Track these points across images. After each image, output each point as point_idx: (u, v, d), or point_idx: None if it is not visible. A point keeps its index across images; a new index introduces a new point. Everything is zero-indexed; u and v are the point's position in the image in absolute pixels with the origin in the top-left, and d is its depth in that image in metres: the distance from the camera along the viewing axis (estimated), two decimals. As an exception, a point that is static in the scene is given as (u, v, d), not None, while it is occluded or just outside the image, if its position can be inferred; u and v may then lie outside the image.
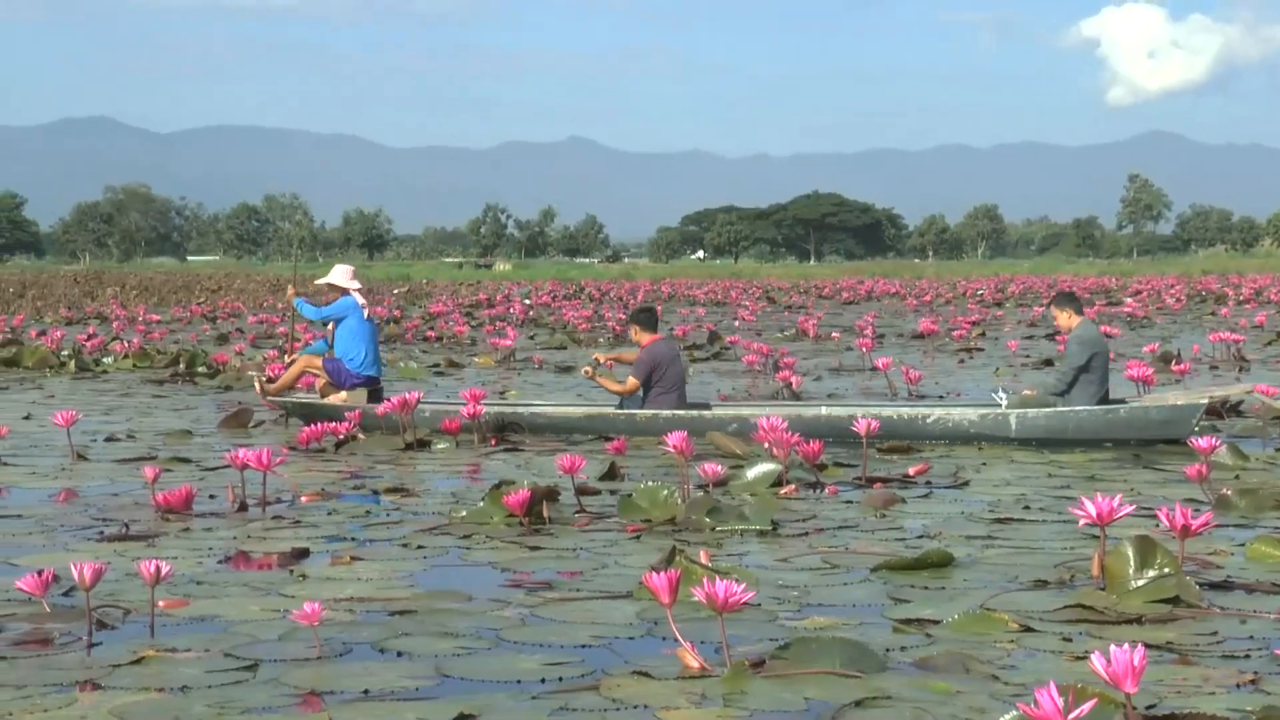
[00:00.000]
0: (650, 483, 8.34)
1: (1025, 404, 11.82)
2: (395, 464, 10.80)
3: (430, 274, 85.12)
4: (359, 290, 13.90)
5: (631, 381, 12.47)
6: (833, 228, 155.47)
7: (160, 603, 5.88)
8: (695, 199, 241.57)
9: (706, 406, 12.67)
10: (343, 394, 13.38)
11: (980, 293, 48.52)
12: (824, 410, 12.07)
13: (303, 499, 8.91)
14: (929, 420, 11.65)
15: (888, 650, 5.29)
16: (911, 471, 9.74)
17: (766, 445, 9.55)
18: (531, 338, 27.42)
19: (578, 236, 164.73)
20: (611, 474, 9.67)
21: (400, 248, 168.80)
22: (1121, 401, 12.03)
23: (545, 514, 8.01)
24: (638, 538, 7.63)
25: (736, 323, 32.23)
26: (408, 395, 11.65)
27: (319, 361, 13.71)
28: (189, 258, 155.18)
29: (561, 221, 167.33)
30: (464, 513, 8.16)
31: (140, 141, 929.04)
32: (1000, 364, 20.22)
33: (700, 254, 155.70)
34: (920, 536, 7.62)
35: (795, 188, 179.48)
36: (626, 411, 12.28)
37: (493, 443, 11.75)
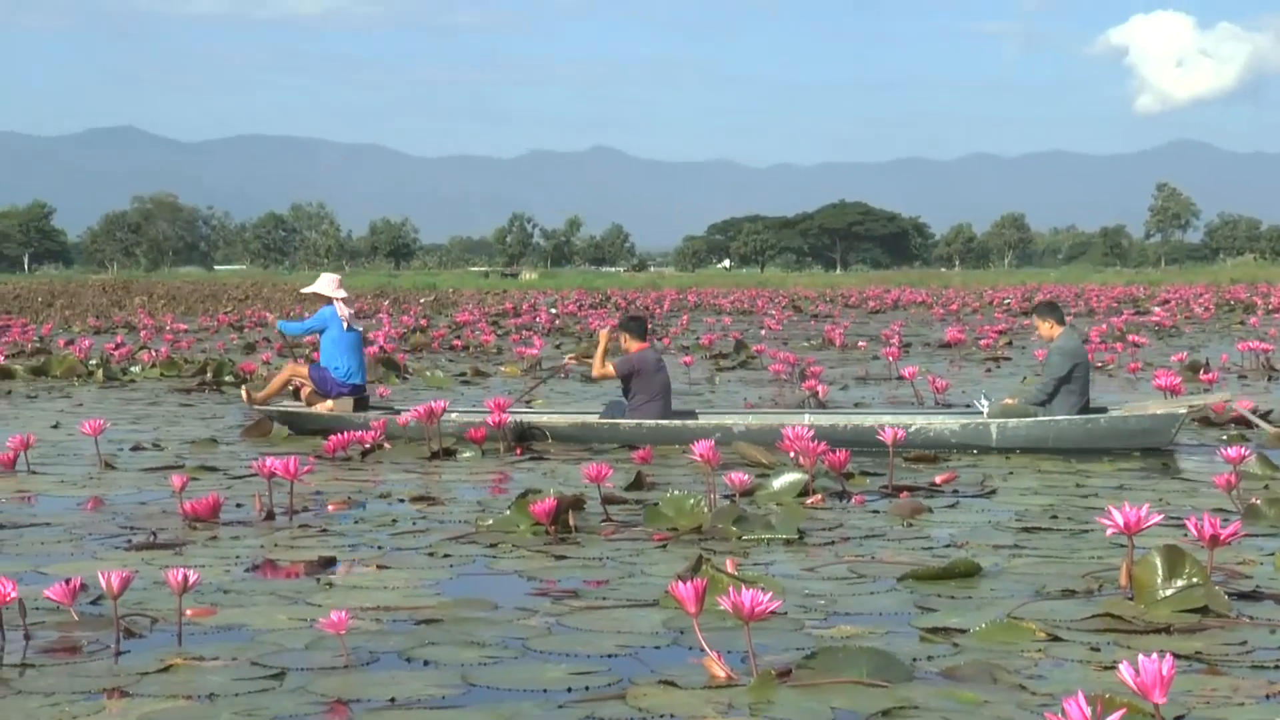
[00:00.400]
0: (676, 492, 8.34)
1: (1007, 413, 11.96)
2: (421, 473, 10.82)
3: (456, 283, 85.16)
4: (343, 300, 13.95)
5: (610, 369, 12.71)
6: (859, 237, 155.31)
7: (188, 611, 5.90)
8: (721, 208, 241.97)
9: (692, 415, 12.79)
10: (329, 403, 13.47)
11: (1007, 302, 48.37)
12: (806, 418, 12.11)
13: (329, 507, 8.93)
14: (911, 429, 11.63)
15: (915, 660, 5.28)
16: (938, 480, 9.72)
17: (792, 455, 9.55)
18: (558, 347, 27.42)
19: (604, 246, 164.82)
20: (638, 483, 9.66)
21: (426, 257, 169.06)
22: (1103, 411, 12.14)
23: (571, 523, 8.01)
24: (664, 546, 7.63)
25: (763, 331, 32.21)
26: (433, 404, 11.67)
27: (305, 369, 13.84)
28: (216, 267, 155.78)
29: (587, 231, 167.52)
30: (490, 521, 8.17)
31: (166, 151, 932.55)
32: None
33: (726, 263, 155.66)
34: (947, 546, 7.61)
35: (821, 197, 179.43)
36: (610, 420, 12.36)
37: (518, 452, 11.77)
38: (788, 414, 12.77)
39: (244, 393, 14.24)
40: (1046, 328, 12.58)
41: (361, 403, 13.60)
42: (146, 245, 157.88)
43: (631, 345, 12.71)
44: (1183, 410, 11.74)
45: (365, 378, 13.94)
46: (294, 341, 14.69)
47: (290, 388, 13.94)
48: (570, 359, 14.43)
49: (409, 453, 11.76)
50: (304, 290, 15.02)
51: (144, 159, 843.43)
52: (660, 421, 12.22)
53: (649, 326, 13.61)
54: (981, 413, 12.10)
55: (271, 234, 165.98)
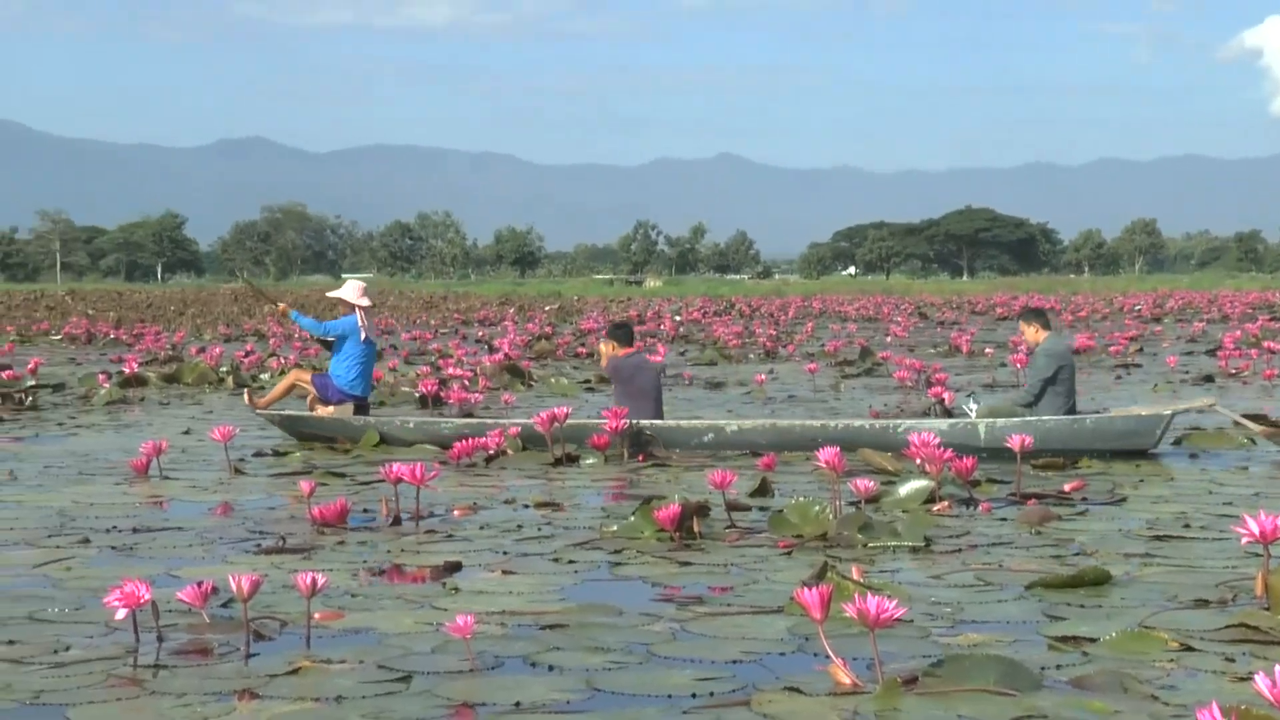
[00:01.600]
0: (802, 498, 8.31)
1: (994, 414, 12.12)
2: (545, 479, 10.86)
3: (581, 291, 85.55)
4: (367, 309, 14.09)
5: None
6: (986, 243, 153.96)
7: (316, 614, 5.96)
8: (846, 215, 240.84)
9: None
10: (330, 407, 13.65)
11: (1138, 308, 47.72)
12: (798, 423, 12.31)
13: (455, 513, 8.99)
14: (899, 430, 11.60)
15: (1043, 668, 5.21)
16: (1067, 488, 9.60)
17: (918, 461, 9.48)
18: (682, 354, 27.43)
19: (728, 253, 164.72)
20: (762, 490, 9.63)
21: (551, 264, 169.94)
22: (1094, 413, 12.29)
23: (696, 529, 8.00)
24: (789, 553, 7.60)
25: (888, 339, 32.02)
26: (556, 411, 11.71)
27: (308, 375, 14.15)
28: (343, 275, 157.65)
29: (712, 238, 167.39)
30: (615, 527, 8.18)
31: (295, 161, 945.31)
32: (1158, 380, 19.86)
33: (852, 270, 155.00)
34: (1076, 554, 7.51)
35: (948, 203, 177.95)
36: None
37: (640, 459, 11.78)
38: (780, 418, 13.16)
39: (246, 396, 14.48)
40: (1032, 332, 12.97)
41: (361, 410, 13.86)
42: (276, 254, 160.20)
43: (619, 353, 13.01)
44: (1167, 412, 11.79)
45: (368, 389, 14.20)
46: (324, 339, 14.77)
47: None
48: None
49: (532, 459, 11.81)
50: (330, 294, 15.20)
51: (273, 169, 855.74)
52: (654, 421, 12.38)
53: (634, 332, 14.00)
54: (970, 414, 12.15)
55: (398, 242, 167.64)
